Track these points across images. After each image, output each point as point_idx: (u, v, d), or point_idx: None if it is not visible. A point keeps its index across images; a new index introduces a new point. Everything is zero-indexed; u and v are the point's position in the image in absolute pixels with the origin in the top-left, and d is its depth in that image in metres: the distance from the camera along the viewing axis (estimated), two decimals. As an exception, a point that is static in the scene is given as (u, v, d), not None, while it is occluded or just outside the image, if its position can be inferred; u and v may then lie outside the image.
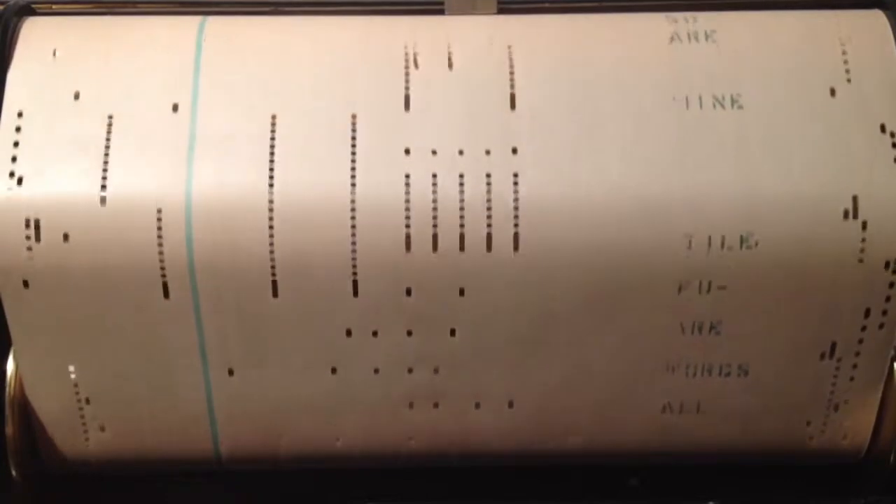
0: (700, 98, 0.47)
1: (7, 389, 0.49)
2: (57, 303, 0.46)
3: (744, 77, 0.47)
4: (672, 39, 0.48)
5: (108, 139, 0.46)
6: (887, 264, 0.46)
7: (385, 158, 0.46)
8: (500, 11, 0.50)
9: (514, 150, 0.46)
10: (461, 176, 0.46)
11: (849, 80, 0.47)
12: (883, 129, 0.47)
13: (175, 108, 0.47)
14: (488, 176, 0.46)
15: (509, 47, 0.48)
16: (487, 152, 0.46)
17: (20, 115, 0.47)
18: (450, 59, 0.48)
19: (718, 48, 0.48)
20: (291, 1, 0.51)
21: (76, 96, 0.47)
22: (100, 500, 0.53)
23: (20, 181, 0.46)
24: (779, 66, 0.48)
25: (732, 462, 0.52)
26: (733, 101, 0.47)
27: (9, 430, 0.49)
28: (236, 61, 0.48)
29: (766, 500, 0.53)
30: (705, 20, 0.49)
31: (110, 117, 0.47)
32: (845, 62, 0.48)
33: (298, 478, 0.52)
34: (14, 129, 0.46)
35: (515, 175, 0.46)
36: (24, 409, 0.49)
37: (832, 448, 0.51)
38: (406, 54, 0.48)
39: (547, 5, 0.50)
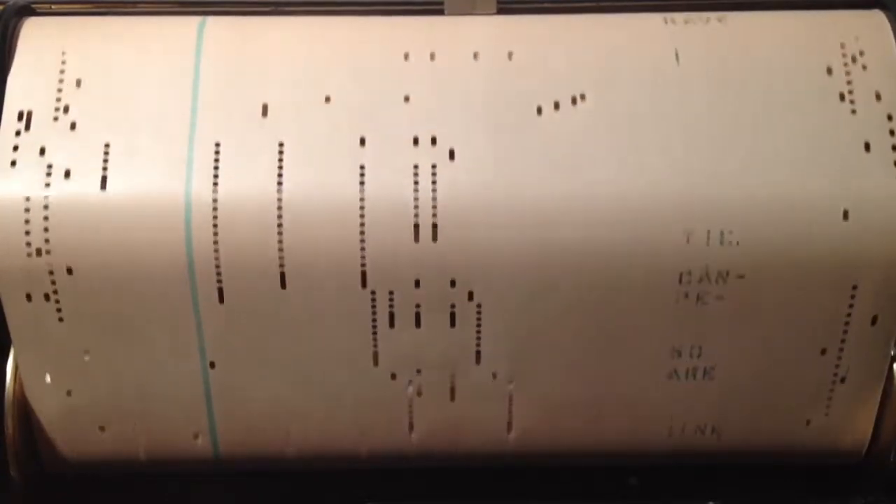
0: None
1: (7, 390, 0.49)
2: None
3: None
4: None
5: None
6: (885, 263, 0.46)
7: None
8: (500, 11, 0.50)
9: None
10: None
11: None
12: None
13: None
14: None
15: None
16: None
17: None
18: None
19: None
20: (291, 1, 0.51)
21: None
22: (100, 500, 0.53)
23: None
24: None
25: (732, 462, 0.52)
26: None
27: (9, 430, 0.49)
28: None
29: (766, 500, 0.53)
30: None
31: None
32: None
33: (298, 478, 0.52)
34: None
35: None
36: (24, 410, 0.49)
37: (832, 448, 0.51)
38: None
39: (547, 5, 0.51)
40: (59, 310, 0.47)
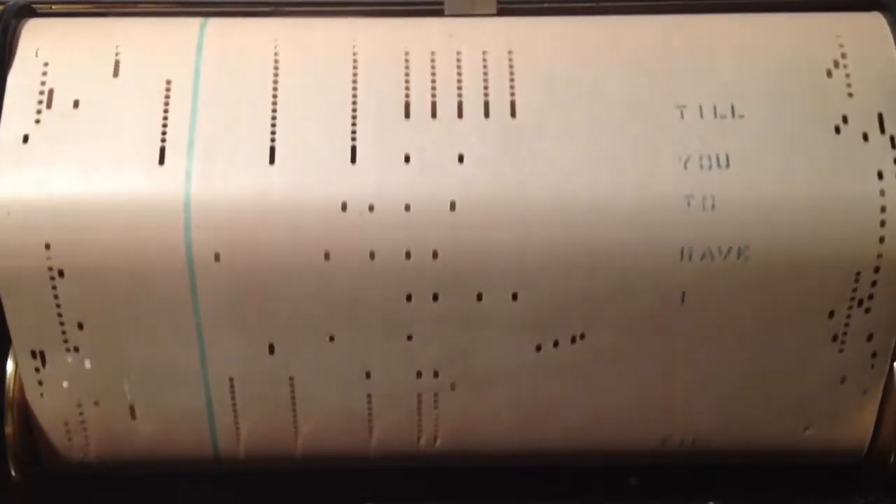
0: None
1: (7, 390, 0.49)
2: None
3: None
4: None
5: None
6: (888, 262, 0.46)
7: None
8: (500, 11, 0.50)
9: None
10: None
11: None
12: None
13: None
14: None
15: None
16: None
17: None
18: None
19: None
20: (291, 1, 0.51)
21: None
22: (100, 500, 0.53)
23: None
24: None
25: (733, 462, 0.52)
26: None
27: (9, 430, 0.49)
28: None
29: (766, 500, 0.53)
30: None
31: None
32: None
33: (298, 478, 0.52)
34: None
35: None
36: (24, 410, 0.49)
37: (832, 448, 0.51)
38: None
39: (546, 6, 0.51)
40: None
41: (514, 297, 0.47)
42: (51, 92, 0.47)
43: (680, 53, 0.48)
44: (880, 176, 0.46)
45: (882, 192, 0.46)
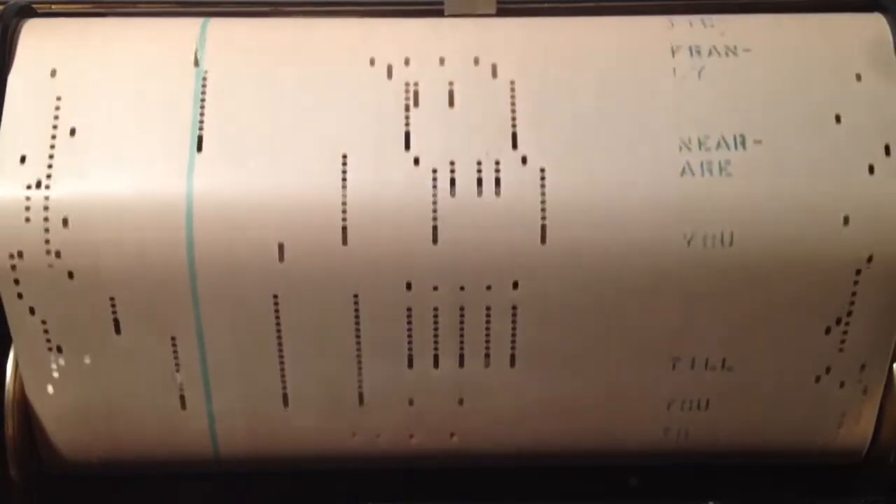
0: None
1: (7, 389, 0.49)
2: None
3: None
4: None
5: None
6: (888, 266, 0.46)
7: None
8: (500, 12, 0.50)
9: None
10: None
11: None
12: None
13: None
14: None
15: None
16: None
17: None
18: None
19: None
20: (291, 1, 0.51)
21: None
22: (100, 500, 0.53)
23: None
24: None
25: (733, 462, 0.52)
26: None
27: (8, 430, 0.49)
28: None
29: (766, 500, 0.53)
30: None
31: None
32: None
33: (298, 478, 0.52)
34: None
35: None
36: (24, 410, 0.49)
37: (832, 448, 0.51)
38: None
39: (546, 6, 0.51)
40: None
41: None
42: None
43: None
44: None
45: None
